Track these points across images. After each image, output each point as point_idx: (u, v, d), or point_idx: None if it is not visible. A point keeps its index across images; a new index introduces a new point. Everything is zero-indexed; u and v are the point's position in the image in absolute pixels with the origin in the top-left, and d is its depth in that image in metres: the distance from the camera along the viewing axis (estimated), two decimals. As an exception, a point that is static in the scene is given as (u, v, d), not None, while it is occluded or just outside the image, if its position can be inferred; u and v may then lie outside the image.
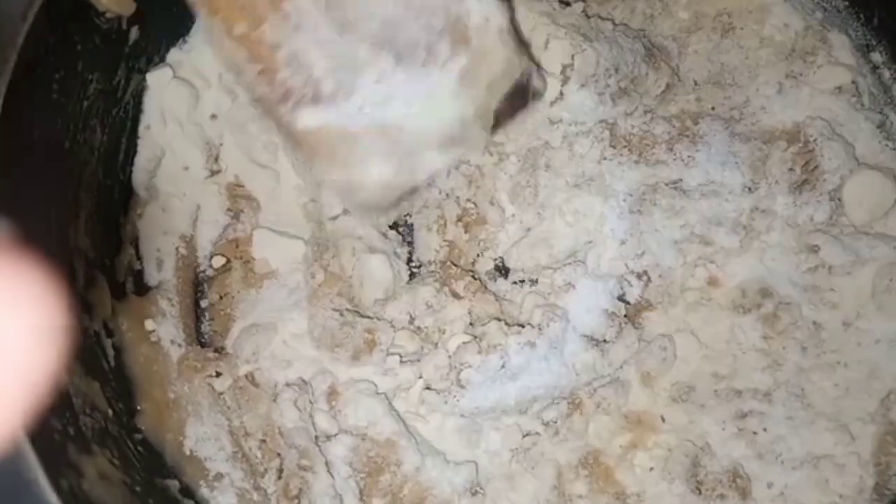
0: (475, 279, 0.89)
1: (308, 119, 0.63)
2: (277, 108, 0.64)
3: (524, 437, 0.83)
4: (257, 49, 0.63)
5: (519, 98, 0.69)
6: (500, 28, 0.65)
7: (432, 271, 0.90)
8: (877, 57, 0.91)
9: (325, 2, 0.62)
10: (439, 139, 0.66)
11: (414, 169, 0.66)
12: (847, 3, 0.92)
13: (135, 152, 0.88)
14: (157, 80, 0.88)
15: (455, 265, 0.90)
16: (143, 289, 0.88)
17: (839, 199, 0.86)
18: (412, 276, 0.90)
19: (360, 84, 0.63)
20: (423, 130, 0.65)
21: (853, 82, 0.91)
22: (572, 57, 0.87)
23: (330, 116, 0.63)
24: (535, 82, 0.73)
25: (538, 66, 0.82)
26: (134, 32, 0.84)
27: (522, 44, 0.69)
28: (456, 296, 0.87)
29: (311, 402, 0.83)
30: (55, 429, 0.67)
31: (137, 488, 0.73)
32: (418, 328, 0.87)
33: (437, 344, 0.86)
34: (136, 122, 0.88)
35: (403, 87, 0.63)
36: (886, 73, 0.91)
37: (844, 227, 0.86)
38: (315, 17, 0.62)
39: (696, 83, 0.93)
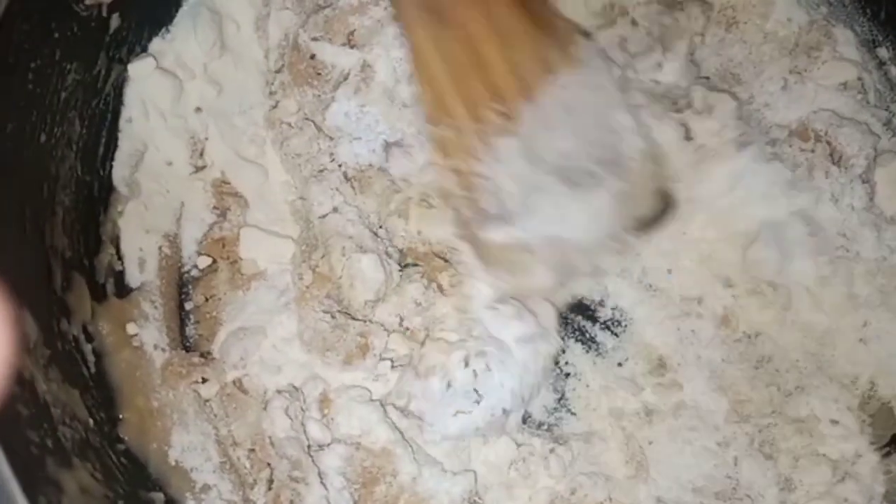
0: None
1: (497, 234, 0.78)
2: (470, 224, 0.80)
3: (520, 446, 0.80)
4: (467, 179, 0.79)
5: (653, 219, 0.84)
6: (651, 167, 0.82)
7: (417, 266, 0.87)
8: (883, 53, 0.90)
9: (522, 137, 0.77)
10: (597, 250, 0.81)
11: (570, 273, 0.82)
12: (853, -3, 0.90)
13: (115, 146, 0.85)
14: (139, 71, 0.85)
15: (439, 257, 0.87)
16: (124, 290, 0.84)
17: (872, 182, 0.85)
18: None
19: (541, 206, 0.77)
20: (585, 243, 0.80)
21: (859, 79, 0.90)
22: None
23: (514, 233, 0.78)
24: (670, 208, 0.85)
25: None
26: (114, 20, 0.81)
27: (665, 176, 0.85)
28: (442, 290, 0.84)
29: (302, 410, 0.80)
30: (32, 442, 0.63)
31: (120, 502, 0.70)
32: (407, 329, 0.84)
33: (423, 343, 0.83)
34: (116, 114, 0.85)
35: (573, 208, 0.77)
36: (893, 70, 0.90)
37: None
38: (513, 152, 0.78)
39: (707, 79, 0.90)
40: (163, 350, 0.83)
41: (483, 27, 0.79)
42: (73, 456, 0.67)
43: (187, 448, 0.79)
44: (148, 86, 0.85)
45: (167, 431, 0.79)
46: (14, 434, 0.61)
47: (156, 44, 0.87)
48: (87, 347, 0.77)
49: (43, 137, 0.74)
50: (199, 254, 0.88)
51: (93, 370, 0.77)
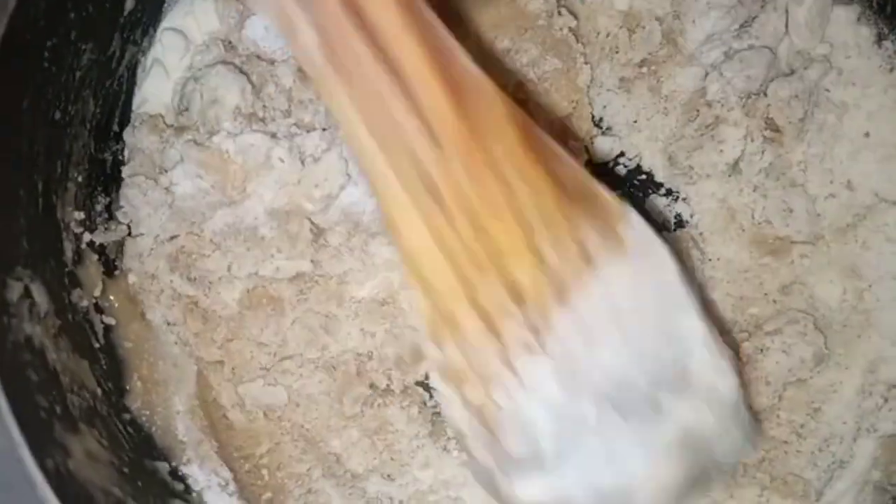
0: None
1: (530, 489, 0.60)
2: (495, 475, 0.60)
3: None
4: (487, 411, 0.60)
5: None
6: (728, 397, 0.61)
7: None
8: (889, 46, 0.90)
9: (556, 358, 0.60)
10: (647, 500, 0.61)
11: None
12: (860, -10, 0.90)
13: (128, 125, 0.85)
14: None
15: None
16: (135, 265, 0.85)
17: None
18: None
19: (583, 443, 0.60)
20: (637, 496, 0.60)
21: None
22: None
23: (551, 485, 0.60)
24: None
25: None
26: (129, 2, 0.82)
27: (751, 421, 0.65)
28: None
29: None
30: (41, 406, 0.65)
31: (125, 469, 0.71)
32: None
33: None
34: (130, 94, 0.86)
35: (626, 445, 0.60)
36: (897, 63, 0.89)
37: None
38: (545, 377, 0.60)
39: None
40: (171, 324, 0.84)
41: (499, 196, 0.60)
42: (80, 422, 0.69)
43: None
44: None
45: (172, 403, 0.80)
46: (24, 399, 0.63)
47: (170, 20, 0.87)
48: (97, 319, 0.79)
49: (58, 115, 0.75)
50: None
51: (102, 342, 0.79)
